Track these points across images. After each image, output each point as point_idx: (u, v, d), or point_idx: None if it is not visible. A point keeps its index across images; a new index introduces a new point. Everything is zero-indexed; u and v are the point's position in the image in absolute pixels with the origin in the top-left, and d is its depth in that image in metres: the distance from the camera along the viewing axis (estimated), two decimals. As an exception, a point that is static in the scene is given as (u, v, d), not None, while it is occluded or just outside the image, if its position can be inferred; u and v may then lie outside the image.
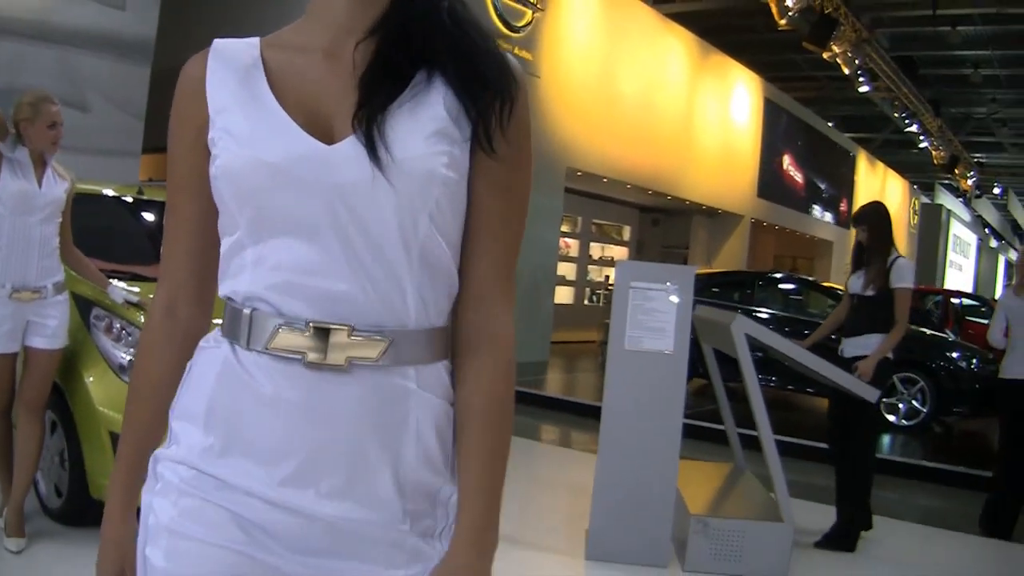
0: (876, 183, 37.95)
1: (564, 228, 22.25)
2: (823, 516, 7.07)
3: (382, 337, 1.54)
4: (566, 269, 23.92)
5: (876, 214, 7.09)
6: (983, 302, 24.09)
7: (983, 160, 41.33)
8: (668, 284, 6.06)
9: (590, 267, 25.77)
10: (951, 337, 16.24)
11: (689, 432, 9.54)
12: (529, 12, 16.57)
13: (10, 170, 5.12)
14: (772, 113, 27.86)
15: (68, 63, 10.96)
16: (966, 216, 48.11)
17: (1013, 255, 54.87)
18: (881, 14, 24.20)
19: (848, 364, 6.79)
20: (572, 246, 24.68)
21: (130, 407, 1.76)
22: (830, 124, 33.24)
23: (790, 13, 20.83)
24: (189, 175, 1.66)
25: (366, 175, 1.49)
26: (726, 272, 19.13)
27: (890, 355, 6.83)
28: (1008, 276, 42.19)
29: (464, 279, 1.66)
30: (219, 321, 1.68)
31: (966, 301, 23.94)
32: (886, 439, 12.74)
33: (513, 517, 6.13)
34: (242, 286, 1.58)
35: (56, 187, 5.28)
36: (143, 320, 1.86)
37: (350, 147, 1.51)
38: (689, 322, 6.16)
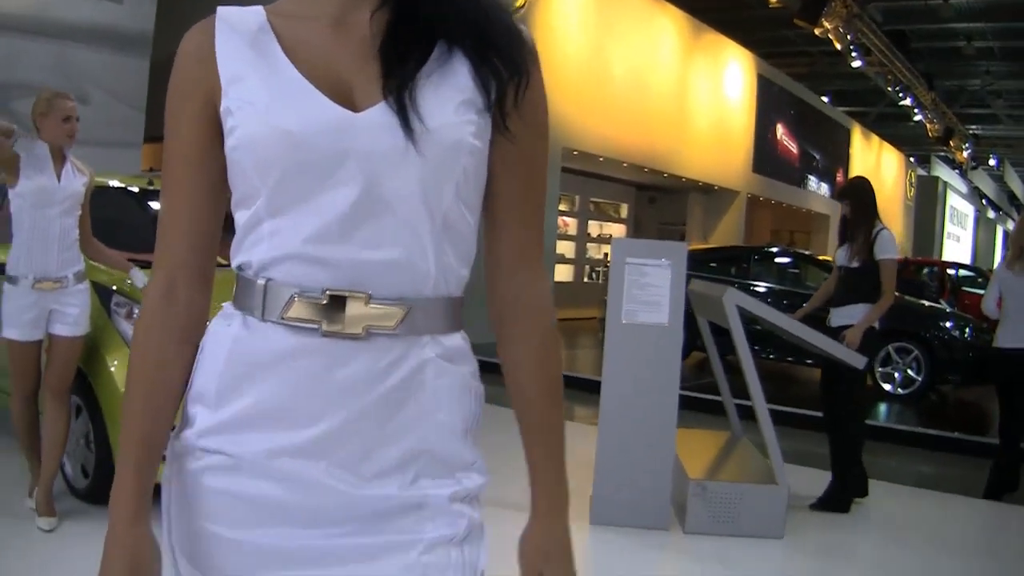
0: (871, 157, 38.04)
1: (562, 207, 22.48)
2: (819, 481, 7.32)
3: (400, 306, 1.52)
4: (565, 247, 24.12)
5: (859, 189, 7.36)
6: (979, 273, 24.30)
7: (978, 132, 41.36)
8: (663, 260, 6.30)
9: (589, 245, 25.90)
10: (945, 307, 16.48)
11: (689, 404, 9.80)
12: (523, -7, 16.61)
13: (29, 166, 5.31)
14: (766, 89, 27.99)
15: (66, 57, 11.10)
16: (963, 188, 48.23)
17: (1011, 226, 54.93)
18: (872, -11, 24.30)
19: (836, 333, 7.05)
20: (570, 225, 24.88)
21: (133, 403, 1.61)
22: (824, 99, 33.32)
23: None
24: (191, 147, 1.59)
25: (398, 143, 1.47)
26: (722, 247, 19.41)
27: (876, 324, 7.07)
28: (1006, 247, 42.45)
29: (494, 251, 1.69)
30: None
31: (962, 272, 24.15)
32: (882, 407, 13.00)
33: (521, 487, 6.38)
34: (257, 256, 1.55)
35: (75, 181, 5.47)
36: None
37: (380, 115, 1.48)
38: (683, 295, 6.39)
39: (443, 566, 1.57)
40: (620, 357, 6.42)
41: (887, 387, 13.56)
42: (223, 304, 1.65)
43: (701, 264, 15.20)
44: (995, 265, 27.66)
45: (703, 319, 7.99)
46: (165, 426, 1.63)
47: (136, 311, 5.73)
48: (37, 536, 5.37)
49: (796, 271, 15.96)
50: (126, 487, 1.58)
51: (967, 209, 51.37)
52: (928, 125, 34.20)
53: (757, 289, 15.05)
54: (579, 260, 25.29)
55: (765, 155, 28.26)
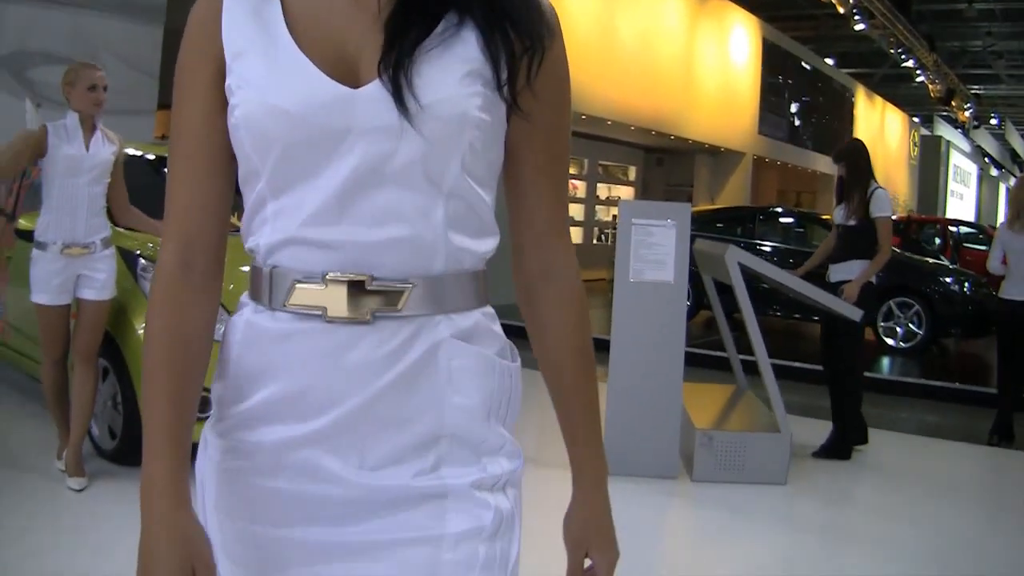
0: (875, 117, 38.07)
1: (571, 170, 22.61)
2: (821, 431, 7.63)
3: (405, 286, 1.46)
4: (575, 210, 24.39)
5: (854, 151, 7.65)
6: (980, 230, 24.42)
7: (980, 92, 41.31)
8: (668, 220, 6.57)
9: (598, 207, 26.12)
10: (946, 263, 16.78)
11: (697, 361, 10.09)
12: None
13: (57, 136, 5.51)
14: (770, 52, 28.07)
15: (79, 25, 11.11)
16: (966, 147, 48.26)
17: (1013, 183, 55.02)
18: (874, -49, 24.31)
19: (834, 288, 7.36)
20: (580, 187, 25.10)
21: (162, 384, 1.49)
22: (828, 61, 33.37)
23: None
24: (199, 119, 1.53)
25: (393, 120, 1.40)
26: (728, 208, 19.62)
27: (873, 279, 7.37)
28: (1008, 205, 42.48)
29: (519, 225, 1.65)
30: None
31: (964, 229, 24.33)
32: (885, 361, 13.31)
33: (534, 441, 6.68)
34: (263, 239, 1.50)
35: (103, 150, 5.64)
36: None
37: (376, 91, 1.41)
38: (687, 254, 6.66)
39: (469, 564, 1.50)
40: (628, 313, 6.69)
41: (890, 341, 13.84)
42: (240, 297, 1.60)
43: (708, 224, 15.43)
44: (998, 222, 27.86)
45: (708, 277, 8.26)
46: (195, 398, 1.53)
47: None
48: (68, 496, 5.56)
49: (801, 230, 16.13)
50: (164, 471, 1.45)
51: (970, 167, 51.44)
52: (930, 86, 34.21)
53: (763, 248, 15.28)
54: (588, 223, 25.48)
55: (770, 118, 28.35)
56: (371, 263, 1.46)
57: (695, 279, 8.79)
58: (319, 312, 1.46)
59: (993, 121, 45.53)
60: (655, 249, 6.58)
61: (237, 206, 1.55)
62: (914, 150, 43.55)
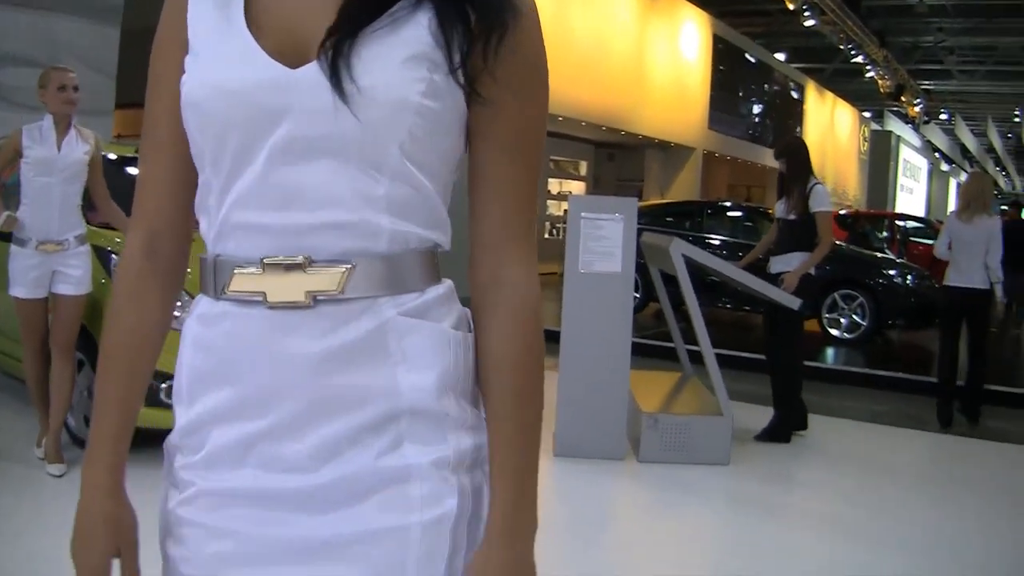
0: (825, 112, 38.47)
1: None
2: (764, 417, 7.95)
3: (343, 267, 1.40)
4: (525, 206, 24.43)
5: (794, 148, 8.03)
6: (927, 224, 24.99)
7: (931, 87, 41.77)
8: (616, 214, 6.89)
9: (549, 202, 26.30)
10: (889, 256, 17.18)
11: (646, 351, 10.41)
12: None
13: (31, 138, 5.76)
14: (721, 48, 28.40)
15: (38, 26, 11.19)
16: (916, 142, 48.77)
17: (964, 178, 55.64)
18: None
19: (775, 279, 7.69)
20: (530, 183, 25.15)
21: (112, 371, 1.55)
22: (779, 57, 33.66)
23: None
24: (167, 104, 1.51)
25: (327, 103, 1.35)
26: (677, 202, 19.90)
27: (812, 271, 7.69)
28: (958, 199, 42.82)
29: (472, 230, 1.52)
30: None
31: (911, 223, 24.88)
32: (830, 352, 13.63)
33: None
34: (209, 227, 1.48)
35: (76, 150, 5.86)
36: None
37: (313, 73, 1.36)
38: (634, 246, 6.96)
39: (436, 555, 1.43)
40: (578, 302, 6.99)
41: (834, 332, 14.19)
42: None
43: (657, 218, 15.66)
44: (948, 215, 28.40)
45: (655, 269, 8.57)
46: (142, 389, 1.58)
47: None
48: (48, 481, 5.80)
49: (750, 224, 16.38)
50: (104, 457, 1.53)
51: (920, 162, 51.99)
52: (880, 81, 34.68)
53: (711, 242, 15.58)
54: (540, 217, 25.33)
55: (720, 114, 28.68)
56: (310, 246, 1.40)
57: (644, 272, 9.12)
58: (259, 298, 1.41)
59: (943, 116, 45.99)
60: (603, 242, 6.88)
61: None
62: (864, 145, 43.98)
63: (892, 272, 14.69)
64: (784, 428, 7.75)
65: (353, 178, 1.38)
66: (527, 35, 1.50)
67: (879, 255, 16.56)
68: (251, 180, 1.40)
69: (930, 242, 18.70)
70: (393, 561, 1.40)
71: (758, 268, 8.07)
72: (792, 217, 7.73)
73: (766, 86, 32.87)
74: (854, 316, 14.14)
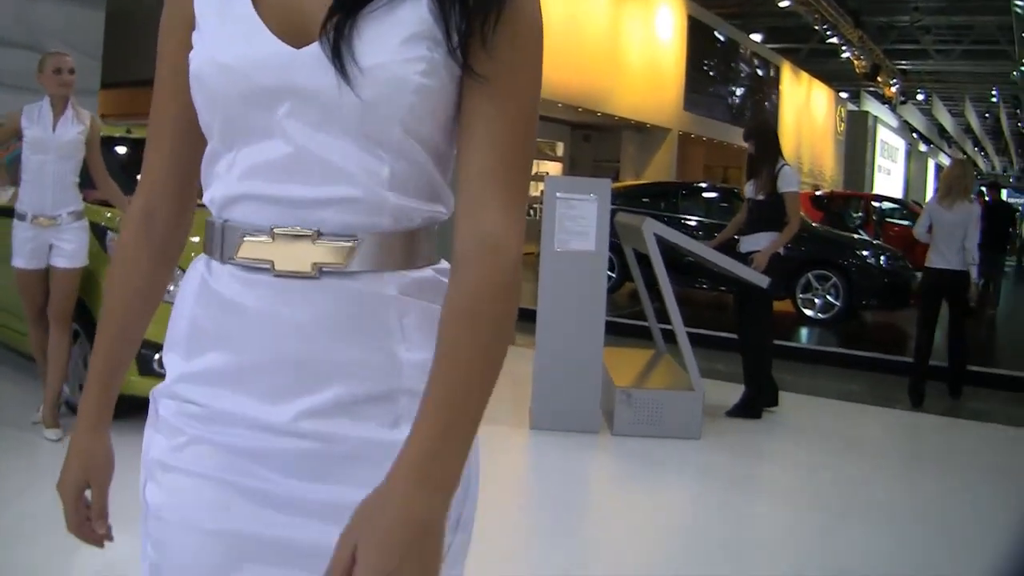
0: (801, 93, 38.45)
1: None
2: (735, 394, 8.14)
3: (350, 241, 1.44)
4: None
5: (762, 129, 8.30)
6: (903, 206, 25.14)
7: (907, 68, 41.78)
8: (590, 195, 7.09)
9: (526, 183, 26.30)
10: (863, 237, 17.39)
11: (621, 330, 10.59)
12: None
13: (28, 118, 6.08)
14: (696, 29, 28.40)
15: (24, 9, 11.39)
16: (893, 122, 48.73)
17: (944, 159, 55.85)
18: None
19: (744, 258, 7.87)
20: (507, 163, 25.19)
21: (105, 323, 1.68)
22: (754, 37, 33.65)
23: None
24: (172, 79, 1.57)
25: (330, 82, 1.38)
26: (653, 183, 20.14)
27: (781, 251, 7.88)
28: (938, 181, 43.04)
29: (457, 190, 1.49)
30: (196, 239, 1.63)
31: (887, 204, 25.02)
32: (804, 331, 13.87)
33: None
34: (218, 192, 1.51)
35: (71, 130, 6.15)
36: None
37: (316, 52, 1.39)
38: (608, 225, 7.15)
39: None
40: (554, 280, 7.19)
41: (808, 312, 14.41)
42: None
43: (633, 199, 15.73)
44: (927, 198, 28.60)
45: (629, 248, 8.75)
46: (132, 343, 1.72)
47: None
48: (46, 445, 6.08)
49: (725, 205, 16.44)
50: (90, 397, 1.70)
51: (898, 143, 52.00)
52: (855, 62, 34.75)
53: (687, 222, 15.75)
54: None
55: (696, 95, 28.73)
56: (318, 219, 1.44)
57: (619, 252, 9.30)
58: (267, 266, 1.45)
59: (920, 96, 46.00)
60: (578, 221, 7.07)
61: None
62: (840, 126, 43.92)
63: (866, 253, 14.91)
64: (755, 405, 7.94)
65: (358, 155, 1.41)
66: (521, 9, 1.48)
67: (853, 236, 16.76)
68: (259, 154, 1.44)
69: (907, 223, 18.93)
70: None
71: (729, 248, 8.26)
72: (761, 197, 7.92)
73: (742, 67, 32.90)
74: (828, 296, 14.35)
